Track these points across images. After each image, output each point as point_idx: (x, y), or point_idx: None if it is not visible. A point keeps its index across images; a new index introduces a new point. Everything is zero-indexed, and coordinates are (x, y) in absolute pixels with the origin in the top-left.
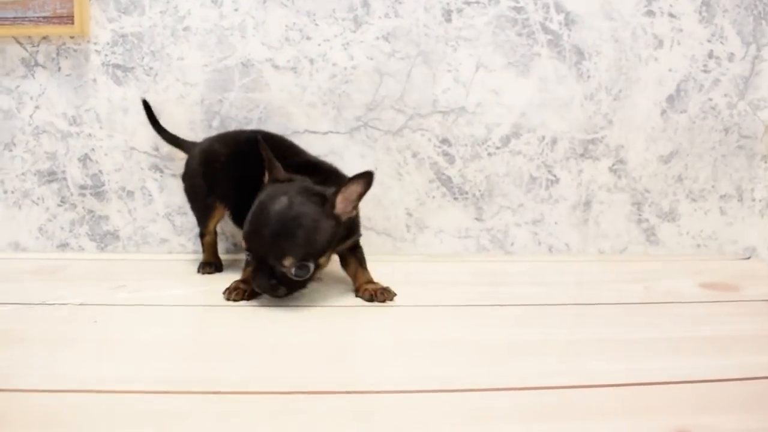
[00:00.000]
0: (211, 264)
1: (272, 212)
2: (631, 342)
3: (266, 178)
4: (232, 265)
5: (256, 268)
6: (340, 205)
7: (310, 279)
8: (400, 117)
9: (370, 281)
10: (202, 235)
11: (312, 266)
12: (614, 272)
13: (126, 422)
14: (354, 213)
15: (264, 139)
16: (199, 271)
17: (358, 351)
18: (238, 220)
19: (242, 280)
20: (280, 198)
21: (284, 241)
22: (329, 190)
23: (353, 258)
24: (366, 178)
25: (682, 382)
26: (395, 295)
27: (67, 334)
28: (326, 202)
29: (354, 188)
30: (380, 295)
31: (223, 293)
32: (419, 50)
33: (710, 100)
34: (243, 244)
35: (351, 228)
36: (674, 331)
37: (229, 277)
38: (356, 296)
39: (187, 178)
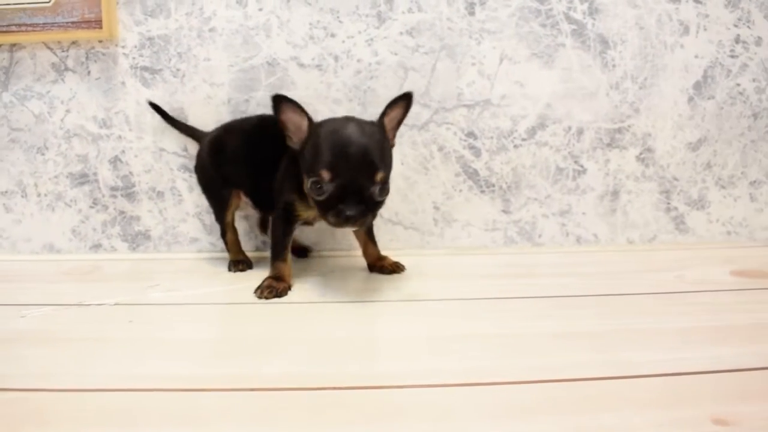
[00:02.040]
0: (241, 261)
1: (353, 136)
2: (664, 332)
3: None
4: (260, 262)
5: (341, 198)
6: (389, 132)
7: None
8: (426, 111)
9: (381, 257)
10: (223, 233)
11: (389, 187)
12: (644, 262)
13: (163, 420)
14: (394, 143)
15: (268, 121)
16: (230, 270)
17: (389, 346)
18: (260, 203)
19: (273, 277)
20: (350, 125)
21: (374, 158)
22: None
23: (366, 230)
24: (405, 100)
25: (717, 372)
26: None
27: (104, 333)
28: (383, 127)
29: (394, 114)
30: (397, 268)
31: (255, 292)
32: (443, 44)
33: (738, 85)
34: (325, 176)
35: None
36: (707, 320)
37: (258, 275)
38: (371, 272)
39: (199, 169)
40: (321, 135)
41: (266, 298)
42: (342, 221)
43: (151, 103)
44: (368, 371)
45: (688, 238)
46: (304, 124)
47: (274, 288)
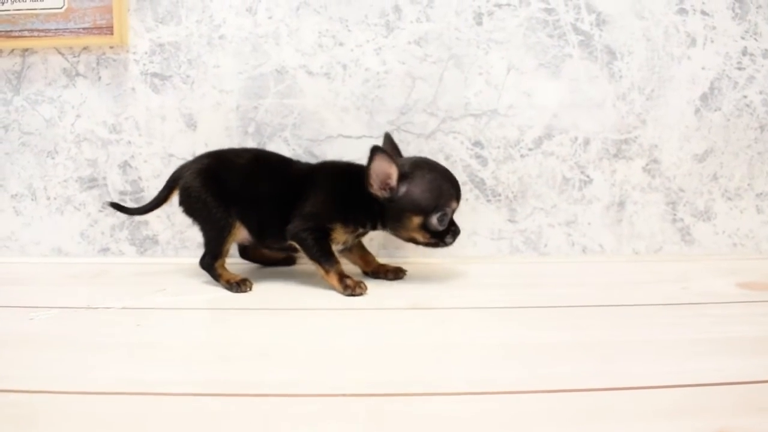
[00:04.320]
0: (244, 280)
1: (447, 172)
2: (669, 343)
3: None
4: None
5: (451, 222)
6: None
7: None
8: (433, 120)
9: (381, 264)
10: (214, 261)
11: None
12: (650, 273)
13: (170, 424)
14: None
15: (263, 157)
16: (235, 291)
17: (396, 354)
18: (262, 234)
19: (343, 275)
20: (435, 163)
21: None
22: None
23: (359, 243)
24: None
25: (723, 384)
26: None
27: (111, 337)
28: None
29: None
30: (400, 273)
31: (346, 292)
32: (451, 54)
33: (745, 97)
34: (454, 206)
35: None
36: (712, 332)
37: (259, 284)
38: (375, 278)
39: (192, 199)
40: (426, 177)
41: (357, 293)
42: (455, 239)
43: (112, 204)
44: (373, 379)
45: (693, 250)
46: (395, 172)
47: (351, 286)
